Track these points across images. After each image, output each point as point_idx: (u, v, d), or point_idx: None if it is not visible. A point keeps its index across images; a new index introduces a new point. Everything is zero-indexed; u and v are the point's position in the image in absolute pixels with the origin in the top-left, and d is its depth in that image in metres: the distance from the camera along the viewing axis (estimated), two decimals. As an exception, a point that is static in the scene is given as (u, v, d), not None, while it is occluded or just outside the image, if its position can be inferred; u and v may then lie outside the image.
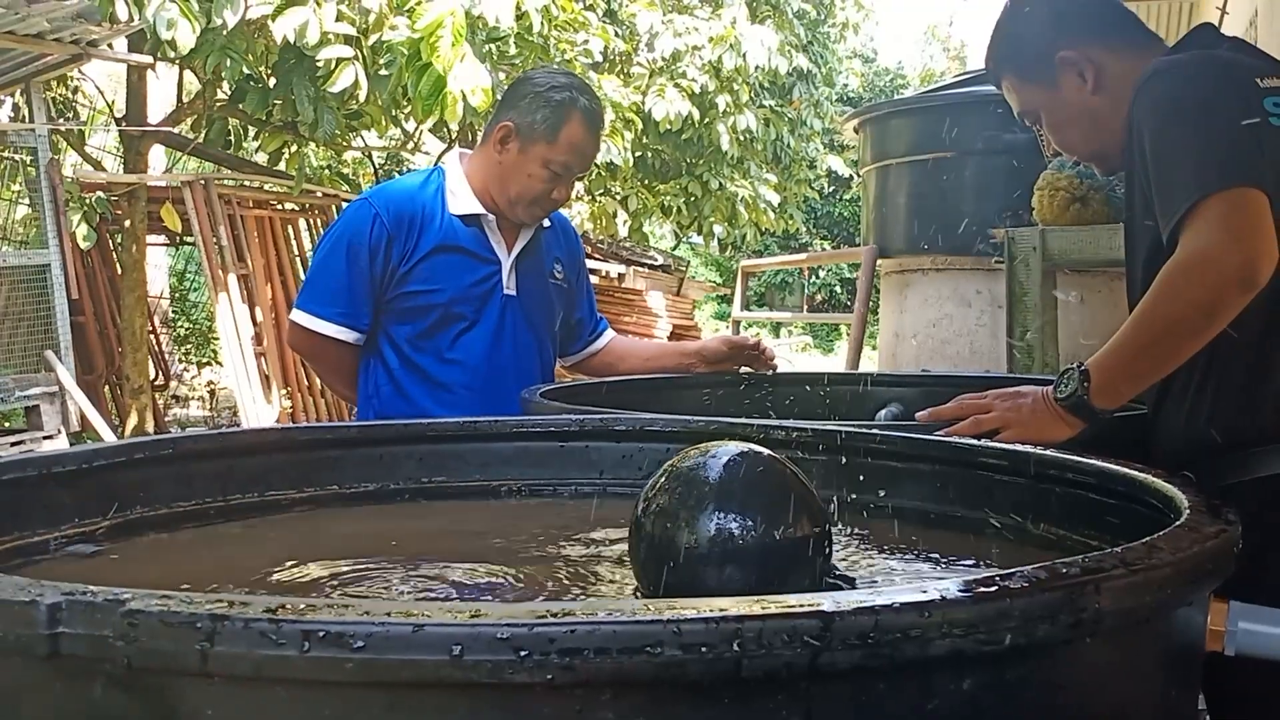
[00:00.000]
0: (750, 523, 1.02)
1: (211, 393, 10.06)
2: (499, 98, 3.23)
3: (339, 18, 5.24)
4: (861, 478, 1.43)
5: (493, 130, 2.58)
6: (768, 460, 1.05)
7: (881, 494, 1.42)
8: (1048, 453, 1.27)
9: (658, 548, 1.02)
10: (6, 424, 5.95)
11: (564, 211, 2.90)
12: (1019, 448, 1.33)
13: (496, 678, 0.60)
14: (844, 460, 1.43)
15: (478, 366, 2.57)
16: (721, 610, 0.63)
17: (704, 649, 0.61)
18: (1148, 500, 1.04)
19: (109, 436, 5.53)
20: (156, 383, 7.96)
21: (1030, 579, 0.71)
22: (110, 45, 5.35)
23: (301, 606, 0.63)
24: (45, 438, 5.08)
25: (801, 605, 0.65)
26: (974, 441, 1.39)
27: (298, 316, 2.61)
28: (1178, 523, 0.89)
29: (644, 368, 2.85)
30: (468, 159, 2.65)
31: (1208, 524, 0.88)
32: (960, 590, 0.68)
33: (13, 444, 5.08)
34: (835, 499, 1.37)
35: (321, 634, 0.61)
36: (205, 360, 10.81)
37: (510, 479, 1.61)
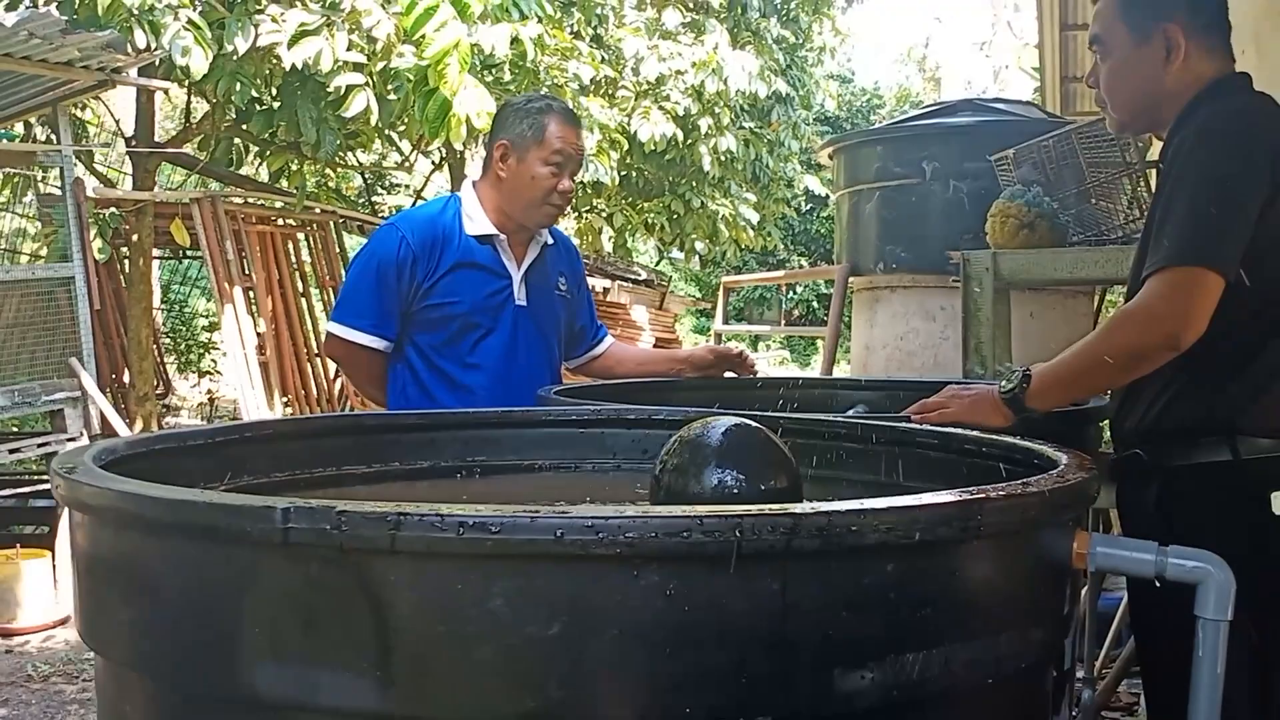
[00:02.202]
0: (742, 477, 1.36)
1: (211, 400, 10.33)
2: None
3: (350, 46, 5.58)
4: (827, 456, 1.77)
5: (492, 154, 2.94)
6: (755, 430, 1.40)
7: (840, 469, 1.76)
8: (969, 433, 1.62)
9: (672, 496, 1.36)
10: (30, 427, 6.24)
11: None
12: (950, 430, 1.67)
13: (583, 551, 0.94)
14: (813, 442, 1.77)
15: (495, 369, 2.91)
16: (729, 510, 0.97)
17: (718, 534, 0.95)
18: (1036, 462, 1.39)
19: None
20: (157, 391, 8.25)
21: (934, 499, 1.06)
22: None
23: (455, 507, 0.96)
24: (69, 440, 5.38)
25: (781, 510, 0.99)
26: (915, 426, 1.73)
27: (333, 328, 2.94)
28: (1048, 473, 1.24)
29: (639, 371, 3.20)
30: (478, 187, 2.99)
31: (1069, 474, 1.23)
32: (886, 504, 1.02)
33: (39, 445, 5.38)
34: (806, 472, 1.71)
35: (471, 523, 0.94)
36: (204, 370, 11.08)
37: (539, 458, 1.95)
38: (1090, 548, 1.26)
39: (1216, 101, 1.95)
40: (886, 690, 1.02)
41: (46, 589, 5.06)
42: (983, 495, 1.09)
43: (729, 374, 3.11)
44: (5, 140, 5.61)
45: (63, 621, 5.13)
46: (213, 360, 11.10)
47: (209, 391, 10.41)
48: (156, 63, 6.03)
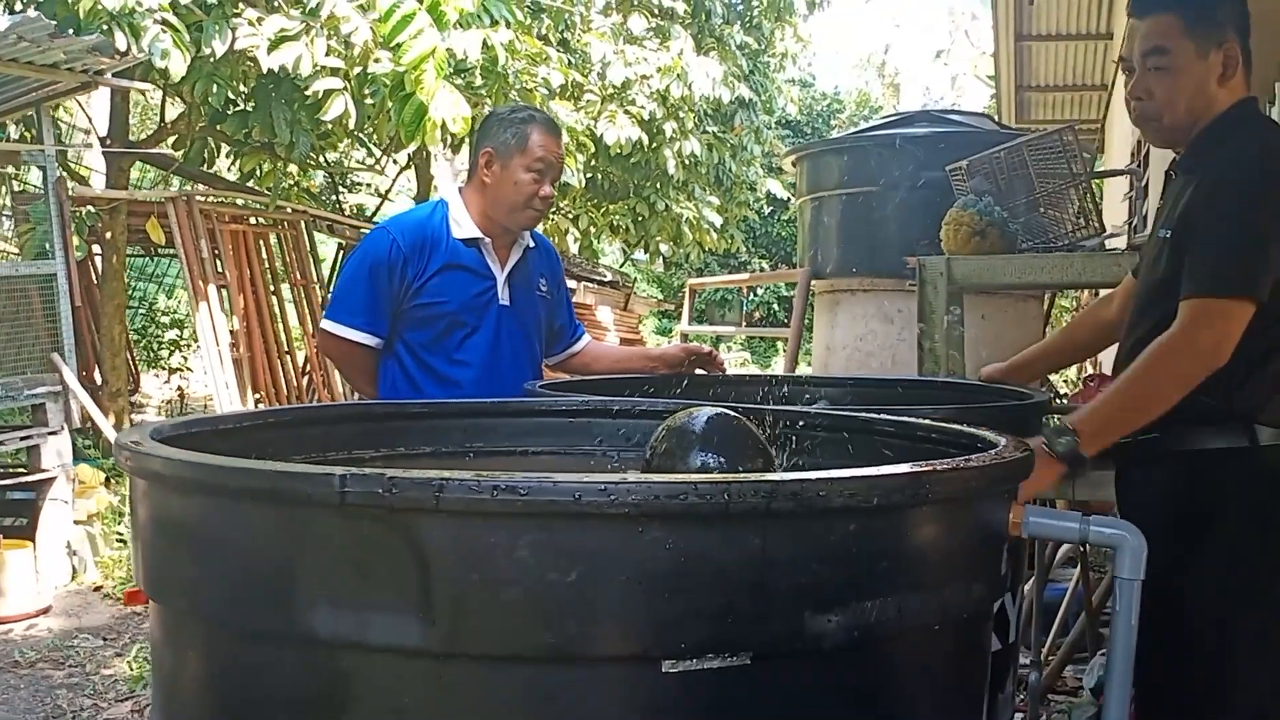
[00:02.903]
0: (722, 459, 1.56)
1: (181, 397, 10.41)
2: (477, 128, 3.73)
3: (329, 52, 5.72)
4: (796, 442, 1.97)
5: (477, 161, 3.12)
6: (732, 418, 1.59)
7: (808, 455, 1.96)
8: (922, 421, 1.82)
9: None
10: (4, 420, 6.33)
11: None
12: (905, 419, 1.87)
13: (598, 510, 1.12)
14: (781, 429, 1.96)
15: (480, 365, 3.08)
16: (718, 478, 1.16)
17: (710, 497, 1.13)
18: (979, 445, 1.59)
19: (109, 432, 5.94)
20: (129, 388, 8.35)
21: (889, 470, 1.25)
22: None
23: (489, 473, 1.14)
24: (50, 433, 5.49)
25: (762, 478, 1.18)
26: (874, 416, 1.93)
27: (328, 325, 3.10)
28: (988, 452, 1.44)
29: (615, 368, 3.39)
30: (464, 192, 3.17)
31: (1006, 453, 1.43)
32: (849, 474, 1.21)
33: (21, 438, 5.49)
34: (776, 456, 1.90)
35: (503, 486, 1.12)
36: (173, 367, 11.14)
37: (531, 445, 2.13)
38: (1025, 517, 1.46)
39: (1247, 127, 2.11)
40: (849, 631, 1.21)
41: (29, 579, 5.17)
42: (930, 468, 1.28)
43: (699, 371, 3.30)
44: (-4, 139, 5.71)
45: (45, 610, 5.24)
46: (182, 357, 11.16)
47: (179, 388, 10.49)
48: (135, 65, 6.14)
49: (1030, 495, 1.84)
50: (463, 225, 3.11)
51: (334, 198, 11.07)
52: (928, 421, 1.82)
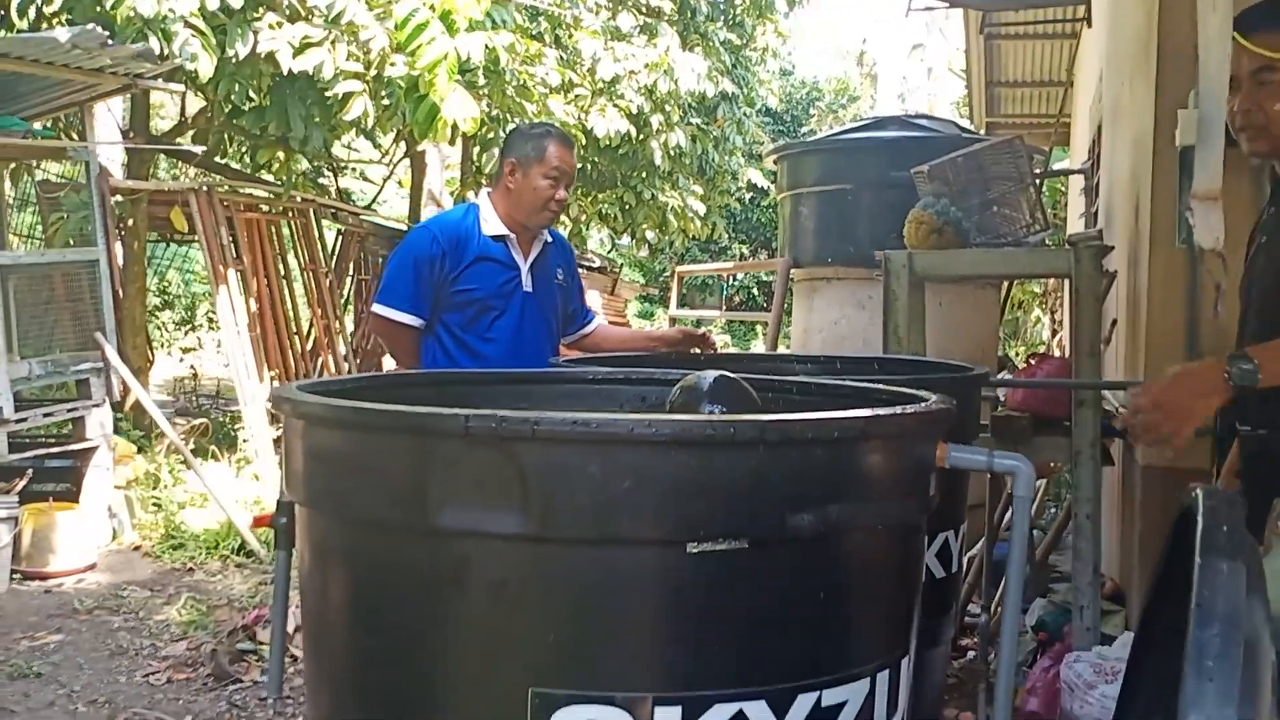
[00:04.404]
0: (724, 408, 2.08)
1: (194, 375, 10.89)
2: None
3: (349, 56, 6.21)
4: (778, 402, 2.49)
5: (503, 170, 3.64)
6: (732, 379, 2.11)
7: (787, 408, 2.47)
8: (876, 386, 2.34)
9: (679, 421, 2.06)
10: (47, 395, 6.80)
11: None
12: (865, 385, 2.39)
13: (644, 439, 1.63)
14: (769, 392, 2.48)
15: (506, 343, 3.61)
16: (726, 417, 1.68)
17: (720, 430, 1.65)
18: (915, 401, 2.11)
19: (148, 403, 6.44)
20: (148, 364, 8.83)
21: (846, 414, 1.78)
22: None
23: (570, 413, 1.65)
24: (94, 405, 5.99)
25: (757, 418, 1.70)
26: (840, 382, 2.45)
27: (379, 309, 3.62)
28: (918, 405, 1.96)
29: (621, 347, 3.93)
30: (492, 196, 3.69)
31: (933, 406, 1.96)
32: (818, 416, 1.74)
33: (69, 410, 5.98)
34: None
35: (579, 421, 1.64)
36: (186, 347, 11.62)
37: (564, 407, 2.64)
38: (948, 453, 1.98)
39: None
40: (817, 527, 1.73)
41: (77, 538, 5.66)
42: (875, 414, 1.81)
43: (695, 350, 3.83)
44: (41, 137, 6.16)
45: (90, 567, 5.74)
46: (197, 338, 11.64)
47: (192, 367, 10.97)
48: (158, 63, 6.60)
49: (1200, 418, 2.04)
50: (491, 224, 3.63)
51: (319, 181, 11.53)
52: (881, 386, 2.34)
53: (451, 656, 1.73)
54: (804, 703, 1.74)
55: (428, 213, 12.01)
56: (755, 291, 23.90)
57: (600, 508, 1.64)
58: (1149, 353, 3.94)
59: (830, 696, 1.77)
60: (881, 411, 1.82)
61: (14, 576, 5.43)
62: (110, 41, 5.38)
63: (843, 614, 1.81)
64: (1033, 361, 4.14)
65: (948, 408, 1.98)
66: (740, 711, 1.70)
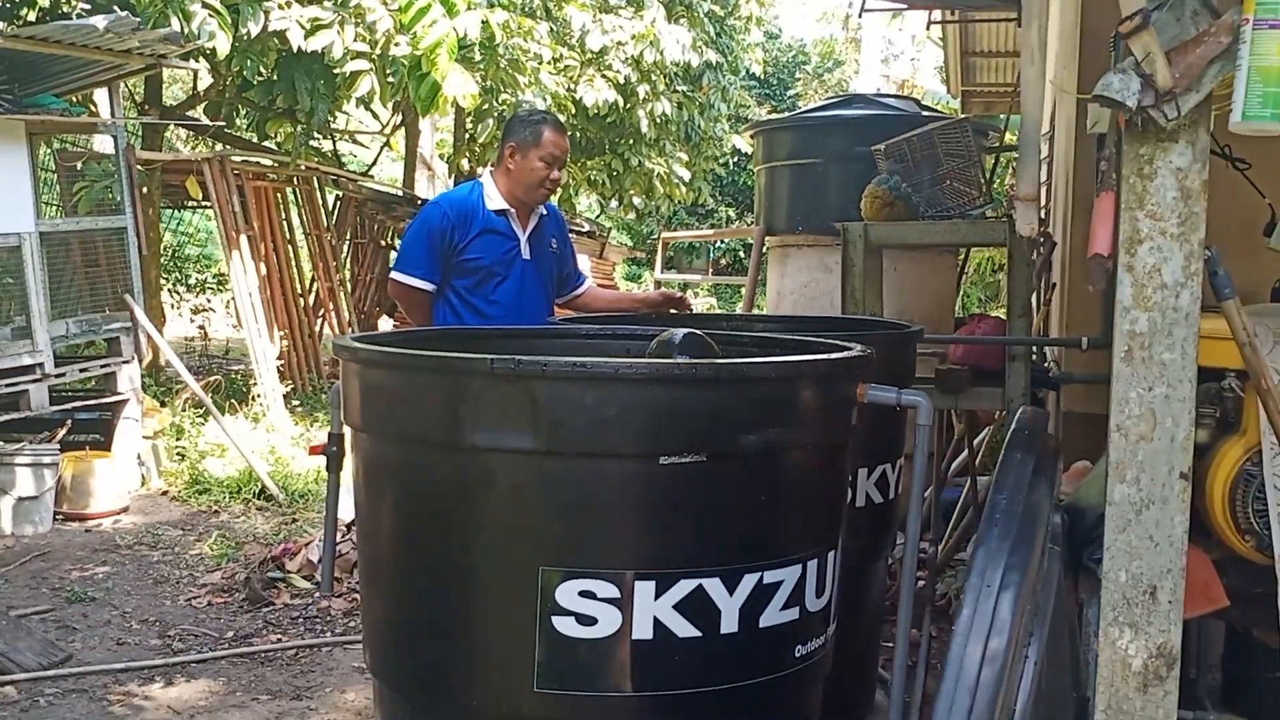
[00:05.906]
0: (691, 358, 2.61)
1: (204, 335, 11.39)
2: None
3: (356, 38, 6.68)
4: (737, 351, 3.01)
5: (503, 153, 4.14)
6: (698, 334, 2.64)
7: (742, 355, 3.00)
8: (814, 339, 2.87)
9: (656, 366, 2.59)
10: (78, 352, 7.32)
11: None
12: (805, 338, 2.92)
13: (627, 377, 2.16)
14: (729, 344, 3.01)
15: (508, 305, 4.12)
16: (691, 361, 2.21)
17: (689, 370, 2.18)
18: (842, 349, 2.64)
19: (173, 358, 6.97)
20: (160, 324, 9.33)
21: (785, 359, 2.31)
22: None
23: (575, 358, 2.18)
24: (124, 362, 6.50)
25: (715, 361, 2.23)
26: (785, 336, 2.98)
27: (396, 275, 4.12)
28: (843, 353, 2.50)
29: (609, 307, 4.45)
30: (494, 175, 4.19)
31: (855, 355, 2.49)
32: (763, 360, 2.26)
33: (101, 366, 6.50)
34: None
35: (579, 364, 2.16)
36: (196, 308, 12.11)
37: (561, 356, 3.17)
38: (866, 390, 2.51)
39: None
40: (760, 445, 2.26)
41: (112, 482, 6.19)
42: (806, 359, 2.34)
43: (672, 310, 4.35)
44: (75, 113, 6.62)
45: (124, 510, 6.27)
46: (205, 299, 12.14)
47: (200, 327, 11.47)
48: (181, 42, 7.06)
49: None
50: (494, 199, 4.13)
51: (317, 147, 11.99)
52: (819, 340, 2.87)
53: (479, 543, 2.26)
54: (749, 580, 2.26)
55: (420, 176, 12.49)
56: (741, 254, 24.37)
57: (594, 429, 2.16)
58: (1068, 314, 4.47)
59: (770, 576, 2.30)
60: (812, 357, 2.35)
61: (56, 517, 5.96)
62: (140, 27, 5.84)
63: (780, 512, 2.34)
64: (973, 319, 4.67)
65: (866, 355, 2.51)
66: (700, 586, 2.23)
